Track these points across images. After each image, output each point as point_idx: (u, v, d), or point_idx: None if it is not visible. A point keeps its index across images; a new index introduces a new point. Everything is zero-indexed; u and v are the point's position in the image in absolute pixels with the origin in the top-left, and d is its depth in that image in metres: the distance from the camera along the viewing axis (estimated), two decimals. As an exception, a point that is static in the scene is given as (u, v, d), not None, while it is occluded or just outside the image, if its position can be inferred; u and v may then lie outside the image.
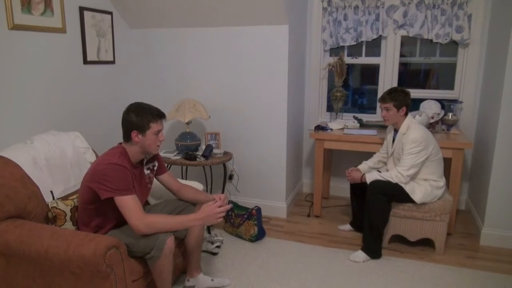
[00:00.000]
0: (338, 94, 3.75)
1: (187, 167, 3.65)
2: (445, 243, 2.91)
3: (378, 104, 3.06)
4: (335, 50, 3.86)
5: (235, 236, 3.18)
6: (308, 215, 3.63)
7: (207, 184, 3.55)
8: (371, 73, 3.94)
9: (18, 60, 2.54)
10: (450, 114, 3.36)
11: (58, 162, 2.32)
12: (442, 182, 2.86)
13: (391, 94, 2.81)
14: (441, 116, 3.39)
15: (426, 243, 2.99)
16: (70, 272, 1.82)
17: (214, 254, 2.89)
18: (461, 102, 3.51)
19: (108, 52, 3.33)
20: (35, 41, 2.66)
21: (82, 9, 3.00)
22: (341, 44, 3.76)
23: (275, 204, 3.60)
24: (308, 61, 3.96)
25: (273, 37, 3.25)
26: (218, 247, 2.95)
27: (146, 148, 2.11)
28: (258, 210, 3.09)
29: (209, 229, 3.15)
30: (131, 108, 2.09)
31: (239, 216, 3.14)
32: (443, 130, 3.35)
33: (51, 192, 2.21)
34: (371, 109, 3.98)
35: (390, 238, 3.00)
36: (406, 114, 2.84)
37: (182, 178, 3.54)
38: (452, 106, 3.39)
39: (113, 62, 3.41)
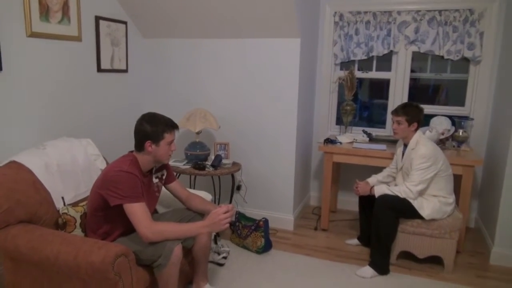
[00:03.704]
0: (348, 107, 3.75)
1: (195, 176, 3.66)
2: (454, 261, 2.87)
3: (390, 117, 3.06)
4: (346, 64, 3.88)
5: (241, 248, 3.17)
6: (315, 228, 3.61)
7: (215, 194, 3.55)
8: (380, 87, 3.95)
9: (34, 66, 2.59)
10: (460, 131, 3.34)
11: (69, 168, 2.34)
12: (451, 198, 2.83)
13: (405, 108, 2.82)
14: (451, 132, 3.38)
15: (435, 260, 2.95)
16: (78, 279, 1.83)
17: (221, 265, 2.88)
18: (472, 119, 3.49)
19: (121, 61, 3.38)
20: (52, 49, 2.71)
21: (98, 18, 3.05)
22: (352, 58, 3.78)
23: (282, 216, 3.58)
24: (319, 74, 3.98)
25: (285, 50, 3.28)
26: (224, 258, 2.94)
27: (158, 158, 2.13)
28: (266, 221, 3.08)
29: (216, 239, 3.14)
30: (145, 118, 2.11)
31: (246, 227, 3.13)
32: (454, 146, 3.33)
33: (62, 198, 2.23)
34: (380, 123, 3.98)
35: (398, 254, 2.96)
36: (416, 130, 2.83)
37: (191, 188, 3.53)
38: (462, 123, 3.37)
39: (126, 70, 3.46)
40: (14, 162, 2.13)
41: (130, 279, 1.84)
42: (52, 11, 2.64)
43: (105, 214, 2.09)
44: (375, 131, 3.88)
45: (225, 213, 2.06)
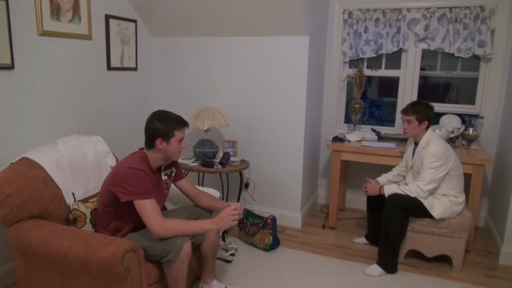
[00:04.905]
0: (357, 105, 3.74)
1: (204, 174, 3.68)
2: (463, 260, 2.85)
3: (400, 116, 3.04)
4: (354, 62, 3.86)
5: (249, 245, 3.18)
6: (323, 227, 3.60)
7: (223, 191, 3.57)
8: (389, 86, 3.93)
9: (45, 65, 2.63)
10: (470, 129, 3.31)
11: (79, 165, 2.38)
12: (461, 198, 2.81)
13: (414, 106, 2.79)
14: (461, 131, 3.35)
15: (443, 259, 2.94)
16: (88, 273, 1.86)
17: (228, 261, 2.90)
18: (482, 118, 3.46)
19: (131, 59, 3.41)
20: (62, 47, 2.74)
21: (108, 17, 3.08)
22: (361, 56, 3.76)
23: (290, 214, 3.59)
24: (327, 72, 3.97)
25: (293, 48, 3.27)
26: (232, 254, 2.96)
27: (168, 155, 2.15)
28: (274, 219, 3.09)
29: (223, 236, 3.16)
30: (156, 116, 2.13)
31: (254, 224, 3.15)
32: (463, 145, 3.30)
33: (73, 194, 2.26)
34: (389, 122, 3.95)
35: (406, 253, 2.95)
36: (427, 128, 2.81)
37: (199, 185, 3.56)
38: (473, 121, 3.34)
39: (135, 69, 3.49)
40: (26, 158, 2.16)
41: (139, 274, 1.86)
42: (63, 10, 2.67)
43: (115, 210, 2.11)
44: (384, 130, 3.86)
45: (233, 210, 2.08)
